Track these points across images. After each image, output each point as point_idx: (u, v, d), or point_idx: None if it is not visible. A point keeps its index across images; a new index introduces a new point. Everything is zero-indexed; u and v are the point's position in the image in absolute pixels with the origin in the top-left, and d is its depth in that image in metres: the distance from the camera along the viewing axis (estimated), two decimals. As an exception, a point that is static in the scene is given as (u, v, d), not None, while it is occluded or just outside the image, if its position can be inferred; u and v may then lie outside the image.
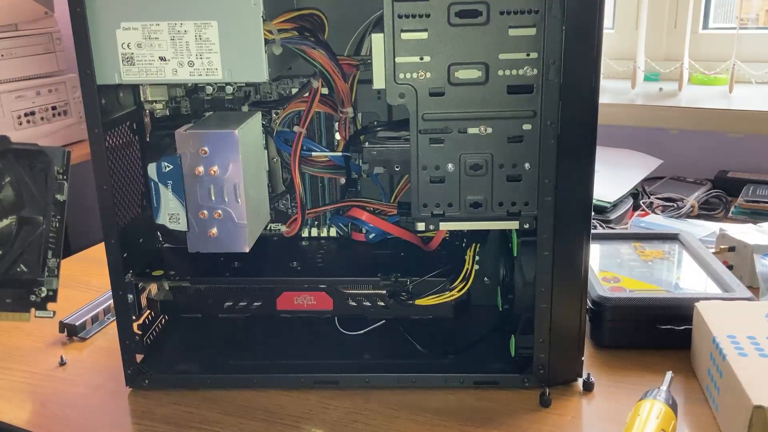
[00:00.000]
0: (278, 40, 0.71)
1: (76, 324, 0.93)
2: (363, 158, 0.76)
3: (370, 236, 0.87)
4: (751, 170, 1.43)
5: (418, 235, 0.84)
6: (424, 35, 0.68)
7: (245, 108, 0.86)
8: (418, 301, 0.79)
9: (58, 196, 0.77)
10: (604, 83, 1.56)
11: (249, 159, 0.77)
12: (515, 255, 0.78)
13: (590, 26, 0.67)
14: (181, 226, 0.76)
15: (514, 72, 0.69)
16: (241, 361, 0.83)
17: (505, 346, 0.81)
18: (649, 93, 1.57)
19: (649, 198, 1.32)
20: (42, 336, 0.93)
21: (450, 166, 0.72)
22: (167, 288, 0.82)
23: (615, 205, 1.26)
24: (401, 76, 0.70)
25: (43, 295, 0.79)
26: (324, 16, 0.81)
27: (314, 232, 0.92)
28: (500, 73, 0.69)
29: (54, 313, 0.80)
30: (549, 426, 0.73)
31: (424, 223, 0.74)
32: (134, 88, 0.82)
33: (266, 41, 0.70)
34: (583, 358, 0.78)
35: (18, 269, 0.78)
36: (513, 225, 0.74)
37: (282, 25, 0.72)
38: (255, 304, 0.81)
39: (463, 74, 0.69)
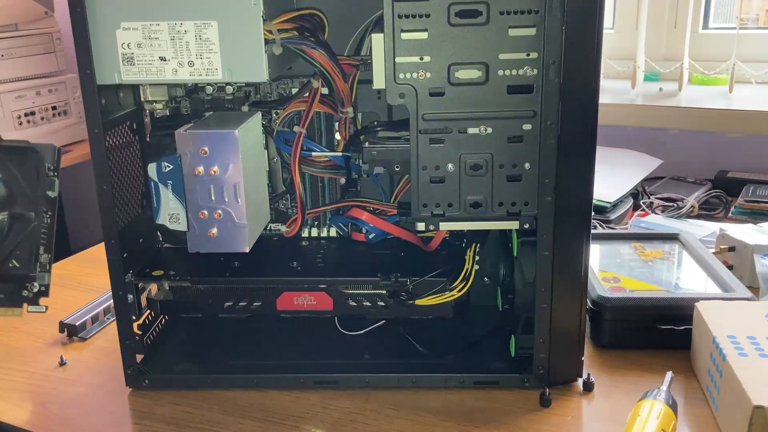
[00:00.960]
0: (278, 40, 0.71)
1: (76, 324, 0.93)
2: (363, 158, 0.76)
3: (370, 236, 0.87)
4: (751, 170, 1.43)
5: (418, 235, 0.84)
6: (424, 35, 0.68)
7: (245, 108, 0.86)
8: (418, 301, 0.79)
9: (50, 193, 0.77)
10: (604, 83, 1.56)
11: (249, 159, 0.77)
12: (515, 255, 0.78)
13: (590, 26, 0.67)
14: (181, 226, 0.76)
15: (514, 72, 0.69)
16: (240, 361, 0.83)
17: (505, 346, 0.81)
18: (649, 93, 1.57)
19: (649, 198, 1.32)
20: (42, 336, 0.93)
21: (450, 166, 0.72)
22: (167, 288, 0.82)
23: (615, 205, 1.26)
24: (401, 76, 0.70)
25: (35, 290, 0.80)
26: (324, 16, 0.81)
27: (314, 232, 0.92)
28: (500, 73, 0.69)
29: (46, 308, 0.80)
30: (549, 426, 0.73)
31: (424, 223, 0.74)
32: (134, 88, 0.82)
33: (266, 41, 0.70)
34: (583, 358, 0.78)
35: (10, 265, 0.78)
36: (513, 225, 0.74)
37: (282, 25, 0.72)
38: (255, 304, 0.81)
39: (463, 74, 0.69)
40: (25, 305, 0.80)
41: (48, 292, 0.80)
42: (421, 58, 0.69)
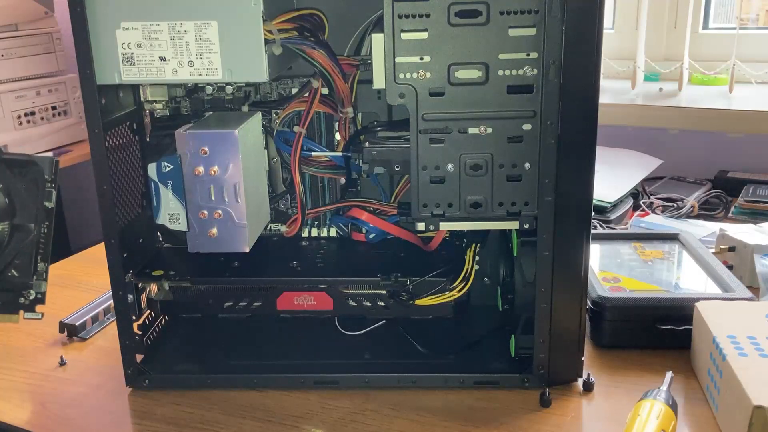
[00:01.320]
0: (278, 40, 0.71)
1: (76, 324, 0.93)
2: (363, 158, 0.76)
3: (370, 236, 0.87)
4: (751, 170, 1.43)
5: (418, 235, 0.84)
6: (424, 35, 0.68)
7: (245, 108, 0.86)
8: (418, 301, 0.79)
9: (47, 204, 0.79)
10: (604, 83, 1.56)
11: (249, 159, 0.77)
12: (515, 255, 0.78)
13: (590, 26, 0.67)
14: (181, 226, 0.76)
15: (514, 72, 0.69)
16: (241, 361, 0.83)
17: (505, 346, 0.81)
18: (649, 93, 1.57)
19: (649, 198, 1.32)
20: (42, 336, 0.93)
21: (450, 166, 0.72)
22: (167, 288, 0.82)
23: (615, 205, 1.26)
24: (401, 76, 0.70)
25: (32, 297, 0.81)
26: (324, 16, 0.81)
27: (314, 232, 0.92)
28: (500, 73, 0.69)
29: (42, 315, 0.82)
30: (549, 426, 0.73)
31: (424, 223, 0.74)
32: (134, 88, 0.82)
33: (266, 41, 0.70)
34: (583, 358, 0.78)
35: (9, 274, 0.80)
36: (513, 225, 0.74)
37: (282, 25, 0.72)
38: (255, 304, 0.81)
39: (463, 74, 0.69)
40: (21, 312, 0.82)
41: (44, 299, 0.81)
42: (421, 58, 0.69)
